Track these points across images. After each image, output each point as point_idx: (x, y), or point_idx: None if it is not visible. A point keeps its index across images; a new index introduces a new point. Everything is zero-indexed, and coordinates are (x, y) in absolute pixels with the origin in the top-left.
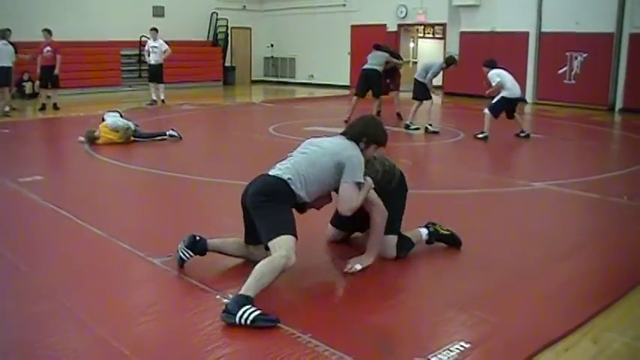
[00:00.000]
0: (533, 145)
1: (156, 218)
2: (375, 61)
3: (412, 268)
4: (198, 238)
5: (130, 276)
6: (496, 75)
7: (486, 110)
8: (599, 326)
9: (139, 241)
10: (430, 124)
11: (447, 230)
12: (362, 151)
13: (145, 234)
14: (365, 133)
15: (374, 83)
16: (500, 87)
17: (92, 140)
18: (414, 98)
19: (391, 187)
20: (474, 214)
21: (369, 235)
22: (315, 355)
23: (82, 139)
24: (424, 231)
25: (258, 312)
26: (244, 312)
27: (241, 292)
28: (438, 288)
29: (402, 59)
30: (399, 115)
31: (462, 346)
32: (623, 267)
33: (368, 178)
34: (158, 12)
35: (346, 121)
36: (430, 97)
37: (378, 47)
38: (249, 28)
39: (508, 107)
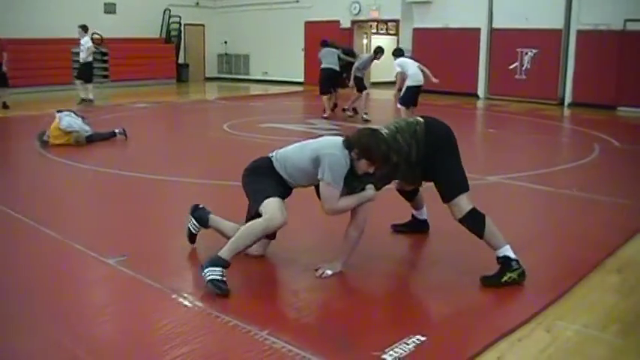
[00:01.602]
0: (486, 140)
1: (109, 218)
2: (332, 59)
3: (368, 263)
4: (201, 206)
5: (84, 277)
6: (397, 64)
7: (399, 105)
8: (551, 315)
9: (92, 241)
10: (365, 113)
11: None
12: (352, 161)
13: (98, 234)
14: (357, 144)
15: (336, 81)
16: (402, 77)
17: (44, 144)
18: (358, 91)
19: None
20: (428, 209)
21: (342, 241)
22: (273, 351)
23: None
24: (508, 251)
25: (217, 276)
26: (209, 271)
27: (218, 253)
28: (394, 282)
29: (356, 55)
30: (354, 109)
31: (417, 339)
32: (574, 257)
33: (369, 190)
34: (109, 9)
35: (325, 118)
36: (365, 88)
37: (326, 44)
38: (203, 25)
39: (415, 96)
